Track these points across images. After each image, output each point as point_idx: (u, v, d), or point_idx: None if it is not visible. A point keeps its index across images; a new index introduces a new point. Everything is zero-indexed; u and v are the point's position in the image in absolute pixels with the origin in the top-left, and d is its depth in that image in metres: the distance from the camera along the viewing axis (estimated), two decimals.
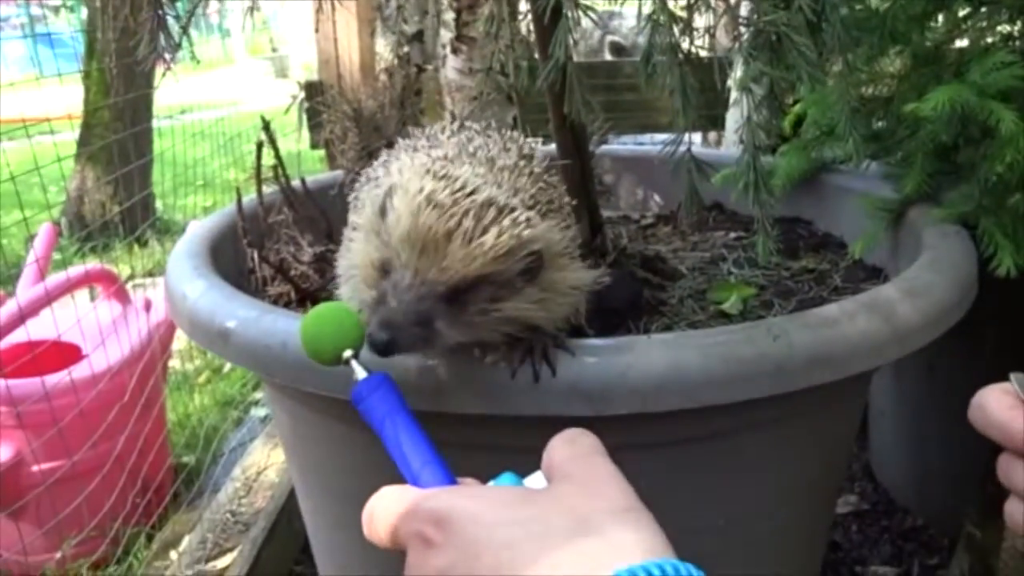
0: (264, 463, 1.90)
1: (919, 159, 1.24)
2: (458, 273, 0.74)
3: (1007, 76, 1.11)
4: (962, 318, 1.01)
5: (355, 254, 0.84)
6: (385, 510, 0.57)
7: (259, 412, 2.46)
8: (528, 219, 0.78)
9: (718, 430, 0.92)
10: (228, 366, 2.88)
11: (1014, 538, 1.23)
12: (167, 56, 1.03)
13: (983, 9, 1.34)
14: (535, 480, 0.59)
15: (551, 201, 0.91)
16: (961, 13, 1.37)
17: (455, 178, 0.78)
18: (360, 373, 0.69)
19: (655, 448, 0.91)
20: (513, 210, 0.78)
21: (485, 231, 0.74)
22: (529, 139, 1.46)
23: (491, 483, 0.60)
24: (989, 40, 1.33)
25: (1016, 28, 1.34)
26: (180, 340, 2.68)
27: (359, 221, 0.86)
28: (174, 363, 2.62)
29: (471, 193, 0.76)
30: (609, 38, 4.54)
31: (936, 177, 1.25)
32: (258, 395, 2.59)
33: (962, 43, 1.35)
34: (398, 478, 1.00)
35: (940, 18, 1.40)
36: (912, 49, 1.34)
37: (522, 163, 0.93)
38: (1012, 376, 0.60)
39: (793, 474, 1.02)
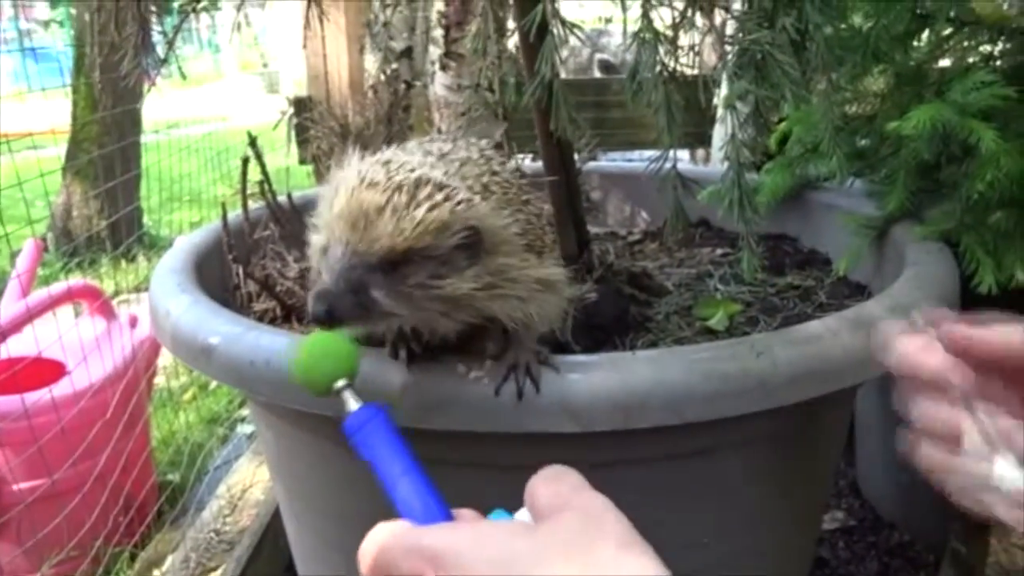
0: (250, 481, 1.88)
1: (902, 177, 1.25)
2: (388, 244, 0.75)
3: (987, 96, 1.12)
4: None
5: (312, 251, 0.85)
6: (381, 548, 0.56)
7: (245, 429, 2.45)
8: (468, 200, 0.79)
9: (703, 446, 0.92)
10: (214, 382, 2.86)
11: (998, 553, 1.23)
12: (151, 72, 1.03)
13: (965, 29, 1.35)
14: (522, 516, 0.57)
15: (506, 194, 0.90)
16: (943, 33, 1.39)
17: (397, 162, 0.80)
18: (352, 404, 0.68)
19: (639, 464, 0.90)
20: (451, 188, 0.78)
21: (417, 205, 0.75)
22: (517, 155, 1.47)
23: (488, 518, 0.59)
24: (970, 60, 1.35)
25: (996, 48, 1.36)
26: (165, 357, 2.67)
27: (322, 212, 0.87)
28: (159, 380, 2.61)
29: (409, 171, 0.78)
30: (598, 56, 4.57)
31: (919, 195, 1.26)
32: (244, 412, 2.57)
33: (944, 63, 1.37)
34: (384, 497, 0.99)
35: (923, 38, 1.41)
36: (895, 68, 1.35)
37: (480, 160, 0.93)
38: (914, 314, 0.63)
39: (778, 490, 1.02)
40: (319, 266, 0.81)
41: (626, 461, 0.90)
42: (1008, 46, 1.35)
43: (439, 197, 0.76)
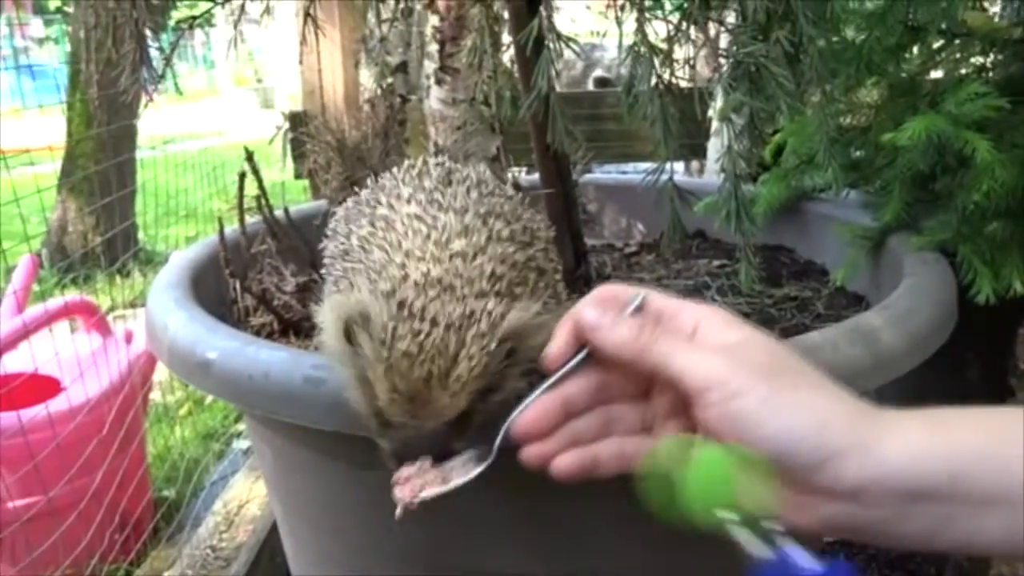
0: (246, 496, 1.87)
1: (897, 188, 1.26)
2: (452, 408, 0.75)
3: (981, 107, 1.13)
4: (944, 348, 1.01)
5: (344, 383, 0.82)
6: None
7: (241, 444, 2.44)
8: (493, 316, 0.77)
9: None
10: (210, 397, 2.85)
11: (1000, 566, 1.23)
12: (149, 87, 1.04)
13: (956, 41, 1.36)
14: None
15: (516, 245, 0.87)
16: (935, 45, 1.40)
17: (416, 312, 0.76)
18: (763, 550, 0.62)
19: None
20: (475, 319, 0.76)
21: (456, 362, 0.74)
22: (513, 168, 1.46)
23: None
24: (963, 71, 1.35)
25: (988, 60, 1.37)
26: (162, 372, 2.66)
27: (330, 331, 0.82)
28: (155, 395, 2.60)
29: (434, 324, 0.75)
30: (595, 74, 4.59)
31: (915, 205, 1.26)
32: (240, 427, 2.56)
33: (937, 74, 1.38)
34: (380, 510, 0.99)
35: (915, 50, 1.42)
36: (888, 80, 1.36)
37: (479, 229, 0.87)
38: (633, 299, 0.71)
39: None
40: (375, 428, 0.80)
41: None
42: (1000, 57, 1.36)
43: (472, 345, 0.75)
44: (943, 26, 1.36)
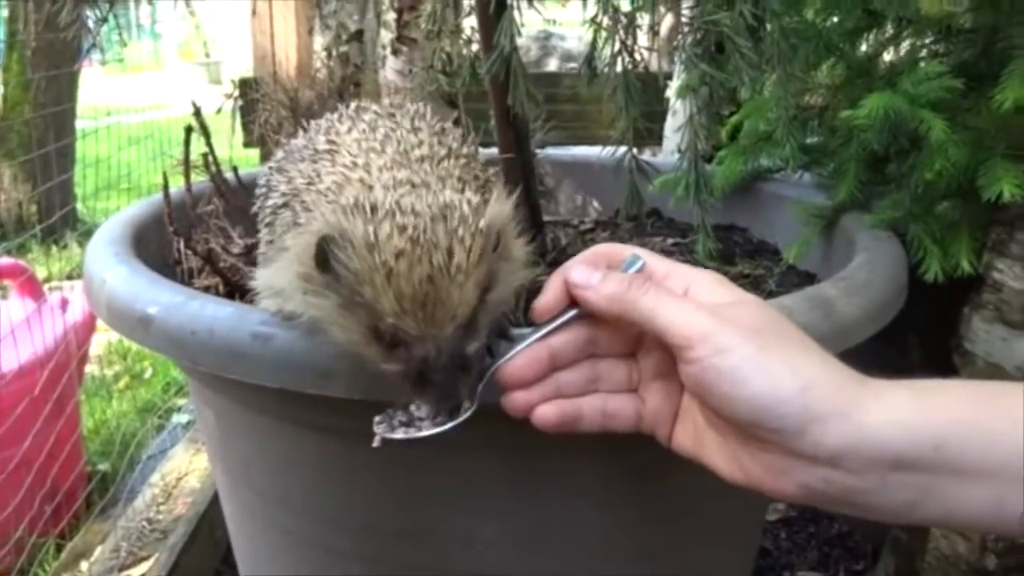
0: (185, 469, 1.82)
1: (852, 167, 1.26)
2: (464, 307, 0.70)
3: (936, 87, 1.14)
4: (889, 326, 1.02)
5: (311, 308, 0.76)
6: None
7: (181, 418, 2.37)
8: (474, 206, 0.73)
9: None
10: (149, 371, 2.77)
11: (938, 540, 1.25)
12: (92, 29, 0.99)
13: (911, 27, 1.38)
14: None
15: (476, 177, 0.88)
16: (891, 31, 1.42)
17: (390, 209, 0.71)
18: None
19: (589, 452, 0.89)
20: (457, 209, 0.72)
21: (452, 254, 0.69)
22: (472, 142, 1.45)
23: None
24: (919, 56, 1.37)
25: (942, 46, 1.39)
26: (99, 345, 2.57)
27: (287, 259, 0.79)
28: (92, 368, 2.51)
29: (417, 217, 0.70)
30: (566, 65, 4.60)
31: (868, 186, 1.27)
32: (180, 401, 2.49)
33: (895, 53, 1.40)
34: (326, 474, 0.96)
35: (872, 34, 1.44)
36: (846, 61, 1.37)
37: (436, 143, 0.89)
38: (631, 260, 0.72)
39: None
40: (374, 353, 0.72)
41: (573, 445, 0.89)
42: (953, 44, 1.38)
43: (460, 230, 0.70)
44: (899, 12, 1.37)
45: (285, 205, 0.91)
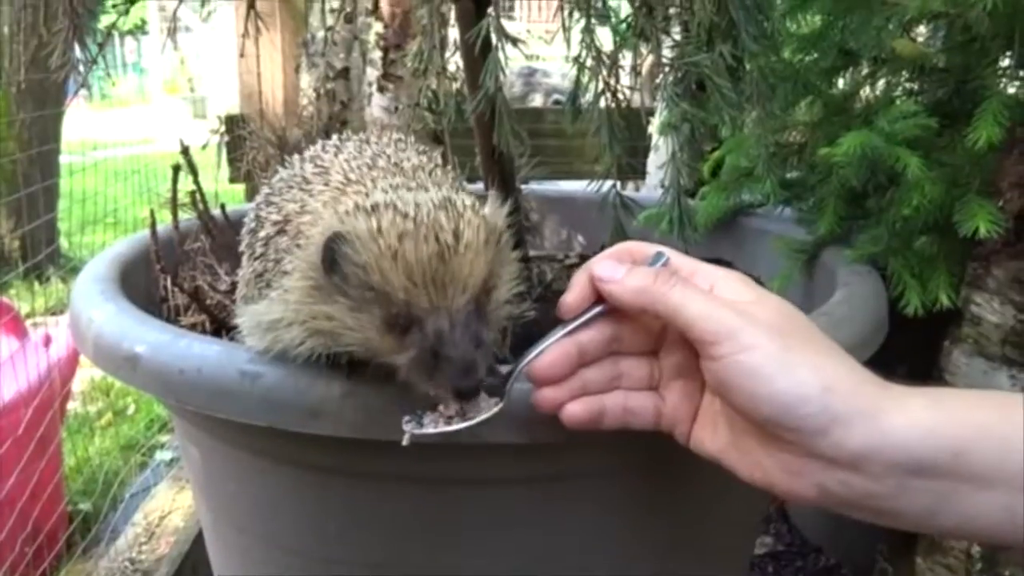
0: (168, 507, 1.80)
1: (831, 203, 1.29)
2: (474, 282, 0.72)
3: (911, 125, 1.17)
4: (872, 359, 1.03)
5: (322, 319, 0.76)
6: None
7: (164, 455, 2.35)
8: (471, 202, 0.76)
9: (628, 463, 0.91)
10: (132, 407, 2.75)
11: (924, 572, 1.26)
12: (82, 69, 1.00)
13: (886, 66, 1.42)
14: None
15: (466, 191, 0.90)
16: (866, 70, 1.45)
17: (391, 203, 0.74)
18: None
19: (582, 479, 0.90)
20: (458, 200, 0.75)
21: (459, 235, 0.71)
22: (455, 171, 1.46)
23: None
24: (894, 94, 1.41)
25: (916, 85, 1.43)
26: (81, 382, 2.55)
27: (289, 282, 0.79)
28: (75, 406, 2.49)
29: (418, 207, 0.73)
30: (553, 98, 4.66)
31: (848, 221, 1.30)
32: (163, 438, 2.47)
33: (870, 90, 1.43)
34: (313, 512, 0.96)
35: (848, 73, 1.47)
36: (823, 99, 1.40)
37: (424, 159, 0.92)
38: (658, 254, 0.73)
39: (708, 509, 1.02)
40: (386, 346, 0.73)
41: (573, 474, 0.89)
42: (927, 83, 1.41)
43: (468, 215, 0.73)
44: (874, 52, 1.41)
45: (279, 232, 0.91)
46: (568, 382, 0.71)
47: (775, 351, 0.63)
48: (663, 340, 0.74)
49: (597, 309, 0.72)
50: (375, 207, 0.73)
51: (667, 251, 0.74)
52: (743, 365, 0.63)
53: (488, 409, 0.73)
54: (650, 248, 0.75)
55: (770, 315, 0.66)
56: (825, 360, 0.64)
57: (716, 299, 0.68)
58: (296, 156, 1.01)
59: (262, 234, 0.95)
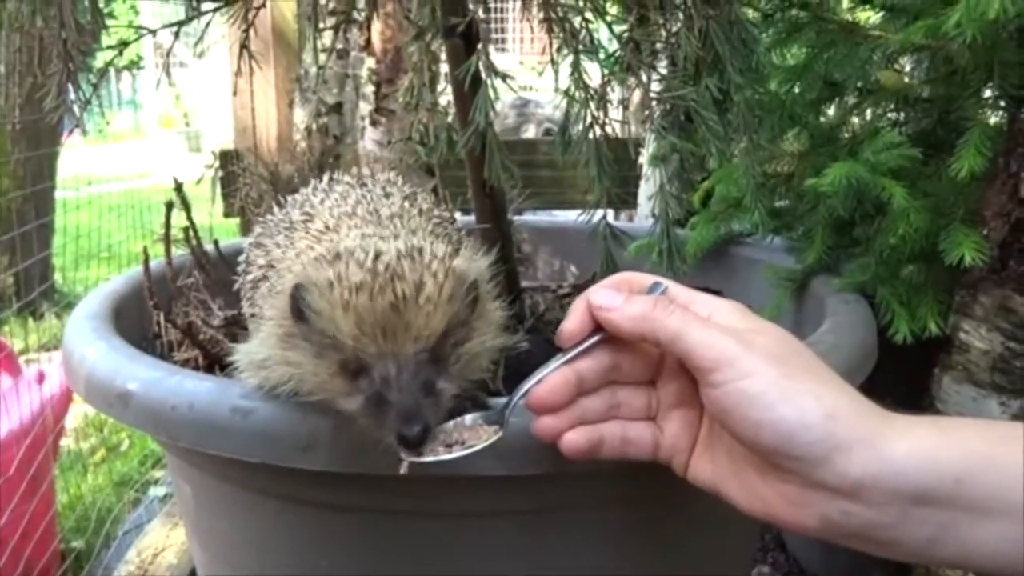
0: (162, 544, 1.79)
1: (819, 232, 1.30)
2: (429, 335, 0.72)
3: (896, 156, 1.19)
4: (862, 387, 1.04)
5: (292, 366, 0.78)
6: None
7: (158, 491, 2.33)
8: (444, 253, 0.77)
9: (619, 495, 0.91)
10: (126, 443, 2.73)
11: None
12: (75, 110, 1.01)
13: (871, 97, 1.44)
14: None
15: (448, 235, 0.91)
16: (852, 101, 1.47)
17: (353, 251, 0.75)
18: None
19: (571, 511, 0.89)
20: (427, 251, 0.76)
21: (419, 286, 0.72)
22: (446, 206, 1.48)
23: None
24: (879, 125, 1.43)
25: (901, 115, 1.45)
26: (75, 418, 2.54)
27: (268, 327, 0.81)
28: (68, 442, 2.48)
29: (378, 257, 0.74)
30: (544, 126, 4.71)
31: (835, 250, 1.31)
32: (157, 474, 2.45)
33: (856, 121, 1.45)
34: (305, 548, 0.95)
35: (834, 105, 1.50)
36: (809, 131, 1.42)
37: (407, 204, 0.93)
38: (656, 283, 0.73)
39: (700, 540, 1.01)
40: (339, 388, 0.74)
41: (557, 507, 0.89)
42: (912, 113, 1.43)
43: (434, 265, 0.73)
44: (859, 84, 1.43)
45: (264, 278, 0.93)
46: (567, 411, 0.71)
47: (776, 378, 0.63)
48: (661, 370, 0.74)
49: (595, 338, 0.72)
50: (338, 255, 0.75)
51: (665, 281, 0.74)
52: (743, 392, 0.63)
53: (488, 437, 0.74)
54: (647, 278, 0.75)
55: (769, 343, 0.66)
56: (826, 388, 0.64)
57: (716, 326, 0.67)
58: (289, 199, 1.03)
59: (250, 277, 0.96)
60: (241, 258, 1.03)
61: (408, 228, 0.86)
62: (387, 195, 0.96)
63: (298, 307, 0.74)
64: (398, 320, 0.71)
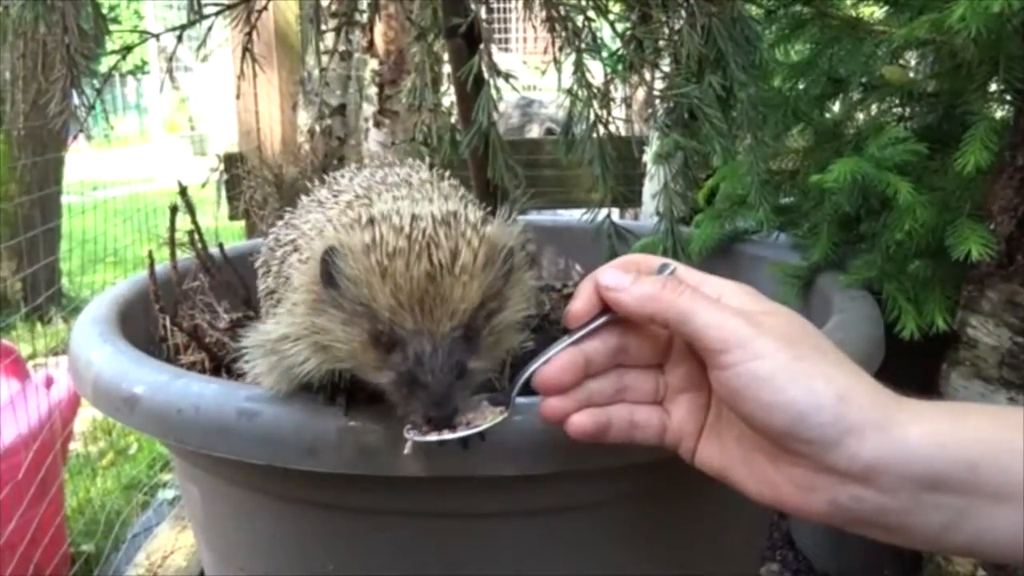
0: (171, 547, 1.79)
1: (825, 229, 1.30)
2: (465, 308, 0.70)
3: (901, 151, 1.18)
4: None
5: (320, 333, 0.76)
6: None
7: (167, 494, 2.34)
8: (478, 216, 0.75)
9: (636, 491, 0.91)
10: (134, 447, 2.74)
11: None
12: (79, 115, 1.01)
13: (875, 92, 1.43)
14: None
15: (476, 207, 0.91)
16: (856, 96, 1.47)
17: (388, 215, 0.73)
18: None
19: (579, 510, 0.89)
20: (462, 215, 0.74)
21: (456, 254, 0.70)
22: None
23: None
24: (884, 120, 1.42)
25: (907, 110, 1.44)
26: (83, 422, 2.55)
27: (296, 296, 0.79)
28: (76, 445, 2.48)
29: (414, 221, 0.72)
30: (545, 125, 4.71)
31: (841, 246, 1.30)
32: (165, 476, 2.46)
33: (861, 116, 1.44)
34: (312, 550, 0.96)
35: (838, 100, 1.49)
36: (814, 127, 1.42)
37: (436, 177, 0.94)
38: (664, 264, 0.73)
39: (708, 538, 1.01)
40: (371, 360, 0.72)
41: (565, 507, 0.89)
42: (917, 108, 1.43)
43: (468, 232, 0.71)
44: (863, 79, 1.43)
45: (294, 250, 0.92)
46: (574, 393, 0.70)
47: (787, 360, 0.62)
48: (669, 353, 0.73)
49: (603, 319, 0.71)
50: (372, 220, 0.73)
51: (674, 262, 0.73)
52: (754, 374, 0.62)
53: (494, 418, 0.73)
54: (656, 260, 0.74)
55: (780, 324, 0.65)
56: (838, 371, 0.63)
57: (726, 307, 0.66)
58: (317, 182, 1.04)
59: (279, 252, 0.96)
60: (269, 237, 1.02)
61: (441, 193, 0.84)
62: (415, 169, 0.97)
63: (328, 272, 0.72)
64: (435, 292, 0.69)
